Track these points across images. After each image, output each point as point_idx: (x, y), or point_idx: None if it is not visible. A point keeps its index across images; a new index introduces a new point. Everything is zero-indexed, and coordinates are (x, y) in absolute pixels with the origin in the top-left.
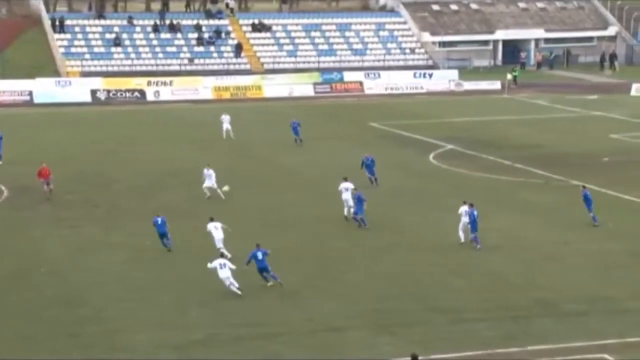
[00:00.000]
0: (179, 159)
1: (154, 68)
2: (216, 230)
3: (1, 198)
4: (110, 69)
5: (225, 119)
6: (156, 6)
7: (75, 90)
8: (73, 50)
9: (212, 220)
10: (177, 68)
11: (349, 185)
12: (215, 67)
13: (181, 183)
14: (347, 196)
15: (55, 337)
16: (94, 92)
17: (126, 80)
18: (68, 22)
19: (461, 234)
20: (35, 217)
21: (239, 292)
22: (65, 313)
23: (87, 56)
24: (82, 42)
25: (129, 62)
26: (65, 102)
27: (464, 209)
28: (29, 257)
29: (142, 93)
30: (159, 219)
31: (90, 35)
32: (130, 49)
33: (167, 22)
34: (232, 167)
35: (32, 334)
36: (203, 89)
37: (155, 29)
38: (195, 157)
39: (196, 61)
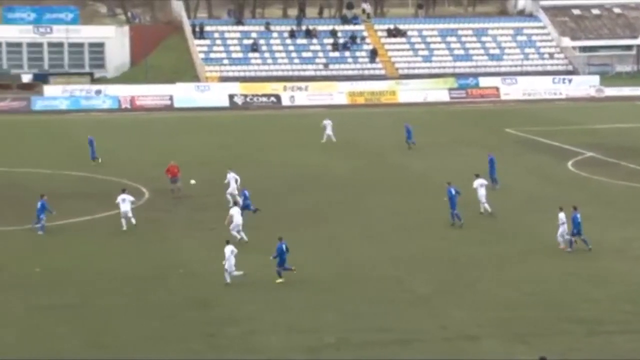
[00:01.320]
0: (312, 164)
1: (290, 73)
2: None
3: (142, 200)
4: (247, 74)
5: (328, 123)
6: (293, 12)
7: (213, 95)
8: (212, 55)
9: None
10: (312, 73)
11: (482, 181)
12: (350, 73)
13: (313, 188)
14: (482, 192)
15: (191, 337)
16: (231, 97)
17: (263, 85)
18: (208, 28)
19: (560, 239)
20: (173, 219)
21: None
22: (201, 314)
23: (226, 61)
24: (221, 48)
25: (266, 67)
26: (204, 107)
27: (562, 214)
28: (167, 259)
29: (278, 98)
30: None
31: (229, 41)
32: (267, 55)
33: (304, 27)
34: (363, 171)
35: (168, 334)
36: (338, 94)
37: (292, 34)
38: (326, 163)
39: (331, 66)
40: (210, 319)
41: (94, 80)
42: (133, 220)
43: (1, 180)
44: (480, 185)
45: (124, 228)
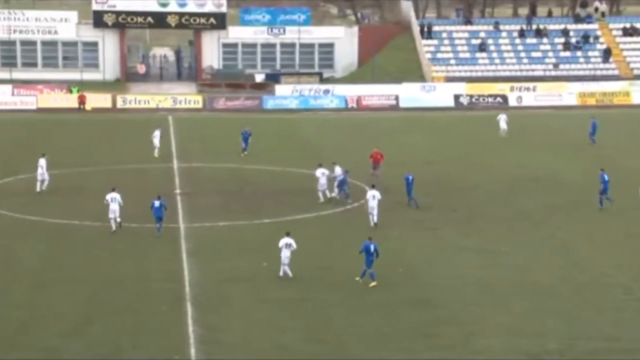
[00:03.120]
0: (537, 165)
1: (518, 73)
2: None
3: (365, 198)
4: (474, 74)
5: (502, 118)
6: (523, 11)
7: (439, 95)
8: (439, 55)
9: (288, 235)
10: (541, 73)
11: None
12: (581, 73)
13: (537, 190)
14: None
15: (412, 336)
16: (457, 97)
17: (489, 85)
18: (436, 28)
19: None
20: (394, 218)
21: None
22: (421, 314)
23: (453, 61)
24: (449, 48)
25: (493, 67)
26: (429, 107)
27: None
28: (388, 257)
29: (505, 98)
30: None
31: (457, 41)
32: (495, 54)
33: (534, 27)
34: (589, 174)
35: (389, 332)
36: (568, 95)
37: (521, 34)
38: (553, 165)
39: (561, 66)
40: (430, 319)
41: (323, 80)
42: (118, 219)
43: (233, 176)
44: None
45: (113, 229)
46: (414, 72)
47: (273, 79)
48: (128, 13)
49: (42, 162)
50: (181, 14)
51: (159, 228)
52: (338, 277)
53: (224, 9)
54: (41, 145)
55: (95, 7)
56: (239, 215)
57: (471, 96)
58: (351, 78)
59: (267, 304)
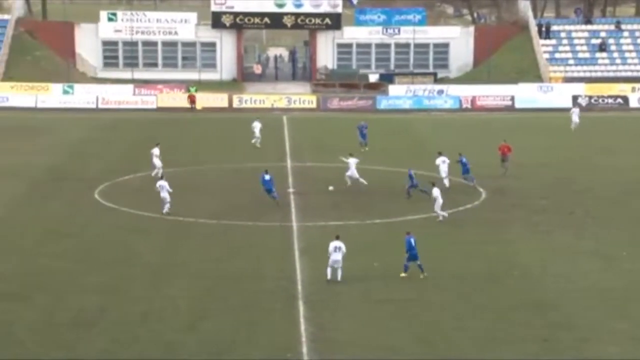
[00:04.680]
0: None
1: None
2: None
3: (479, 200)
4: (593, 74)
5: (575, 111)
6: None
7: (556, 95)
8: (557, 55)
9: (337, 238)
10: None
11: None
12: None
13: None
14: None
15: (524, 340)
16: (575, 98)
17: (609, 86)
18: (554, 27)
19: None
20: (509, 220)
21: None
22: (534, 317)
23: (571, 62)
24: (567, 48)
25: (614, 67)
26: (545, 108)
27: None
28: (502, 260)
29: (625, 99)
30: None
31: (576, 41)
32: (615, 54)
33: None
34: None
35: (500, 335)
36: None
37: None
38: None
39: None
40: (544, 323)
41: (437, 80)
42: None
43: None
44: None
45: (166, 210)
46: (531, 73)
47: (387, 79)
48: (245, 14)
49: (156, 151)
50: (297, 15)
51: (275, 197)
52: (447, 278)
53: (339, 10)
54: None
55: (214, 8)
56: (350, 215)
57: (590, 97)
58: (466, 78)
59: (377, 304)
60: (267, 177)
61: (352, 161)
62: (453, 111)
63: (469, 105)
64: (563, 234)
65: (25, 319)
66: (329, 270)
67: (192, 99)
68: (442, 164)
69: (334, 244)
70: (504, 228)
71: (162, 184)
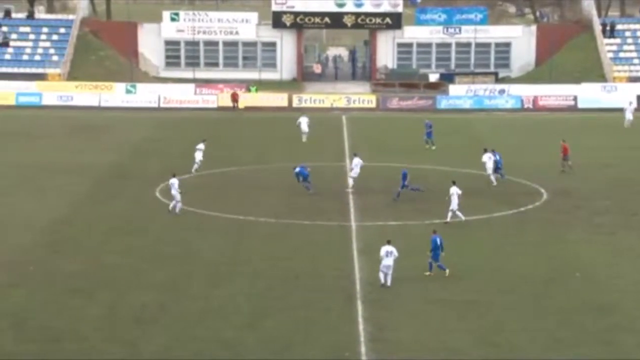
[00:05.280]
0: None
1: None
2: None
3: (540, 201)
4: None
5: (629, 109)
6: None
7: (620, 95)
8: (622, 55)
9: (389, 242)
10: None
11: None
12: None
13: None
14: None
15: (588, 342)
16: (639, 98)
17: None
18: (619, 26)
19: None
20: (571, 221)
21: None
22: (598, 320)
23: (636, 61)
24: (632, 47)
25: None
26: (609, 108)
27: None
28: (564, 261)
29: None
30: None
31: None
32: None
33: None
34: None
35: (564, 337)
36: None
37: None
38: None
39: None
40: (608, 326)
41: (498, 80)
42: (179, 205)
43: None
44: None
45: (176, 210)
46: (594, 72)
47: (447, 78)
48: (306, 14)
49: (201, 146)
50: (357, 14)
51: (307, 187)
52: (509, 280)
53: (400, 9)
54: (220, 141)
55: (275, 8)
56: (409, 215)
57: None
58: (528, 78)
59: (436, 305)
60: (297, 169)
61: (357, 162)
62: (514, 111)
63: (530, 105)
64: (626, 236)
65: (90, 315)
66: (381, 275)
67: (234, 98)
68: (489, 160)
69: (385, 248)
70: (566, 229)
71: (173, 181)
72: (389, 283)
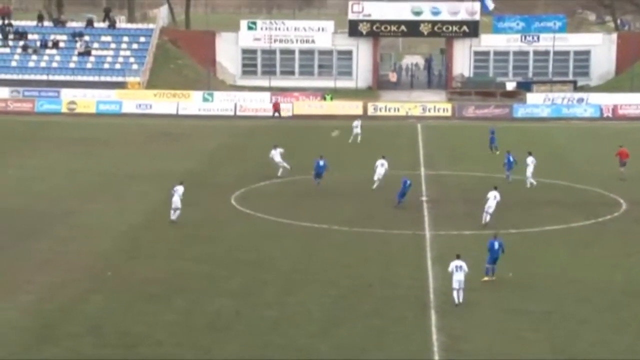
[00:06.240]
0: None
1: None
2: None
3: (619, 211)
4: None
5: None
6: None
7: None
8: None
9: (458, 257)
10: None
11: None
12: None
13: None
14: None
15: None
16: None
17: None
18: None
19: None
20: None
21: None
22: None
23: None
24: None
25: None
26: None
27: None
28: None
29: None
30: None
31: None
32: None
33: None
34: None
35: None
36: None
37: None
38: None
39: None
40: None
41: (577, 89)
42: (178, 212)
43: (480, 185)
44: None
45: (173, 218)
46: None
47: (525, 87)
48: (382, 22)
49: (275, 152)
50: (434, 22)
51: (317, 182)
52: (587, 291)
53: (477, 17)
54: (294, 149)
55: (351, 16)
56: (484, 225)
57: None
58: (607, 86)
59: (511, 315)
60: (321, 162)
61: (382, 163)
62: (593, 120)
63: (610, 114)
64: None
65: (165, 321)
66: (455, 294)
67: (276, 107)
68: (531, 164)
69: (454, 263)
70: (638, 238)
71: (177, 188)
72: (460, 299)
